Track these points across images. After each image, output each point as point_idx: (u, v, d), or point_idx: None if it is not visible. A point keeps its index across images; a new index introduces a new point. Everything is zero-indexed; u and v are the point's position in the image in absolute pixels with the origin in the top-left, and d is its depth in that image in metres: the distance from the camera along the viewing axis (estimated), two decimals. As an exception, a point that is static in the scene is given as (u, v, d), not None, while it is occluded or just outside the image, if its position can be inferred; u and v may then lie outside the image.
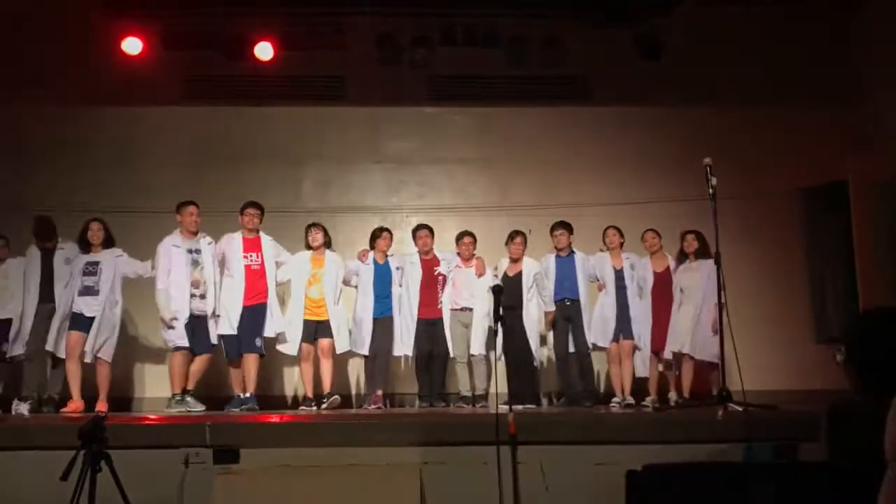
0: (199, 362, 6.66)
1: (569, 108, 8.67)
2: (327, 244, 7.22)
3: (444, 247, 7.55)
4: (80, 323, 6.61)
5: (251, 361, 6.78)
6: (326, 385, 7.02)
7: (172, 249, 6.71)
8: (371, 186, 8.70)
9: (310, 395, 6.97)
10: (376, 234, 7.40)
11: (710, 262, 6.55)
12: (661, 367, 7.21)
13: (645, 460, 2.71)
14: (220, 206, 7.50)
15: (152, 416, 4.93)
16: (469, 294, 7.30)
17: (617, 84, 8.60)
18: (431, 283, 7.36)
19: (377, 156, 8.77)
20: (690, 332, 6.86)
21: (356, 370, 7.98)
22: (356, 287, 7.35)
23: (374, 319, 7.21)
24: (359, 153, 8.72)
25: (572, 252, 7.38)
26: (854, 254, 7.75)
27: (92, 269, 6.72)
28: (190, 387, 6.61)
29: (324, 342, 7.03)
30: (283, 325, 6.97)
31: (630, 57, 8.52)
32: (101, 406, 6.41)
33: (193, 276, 6.67)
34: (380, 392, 7.11)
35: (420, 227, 7.52)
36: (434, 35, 8.53)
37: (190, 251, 6.74)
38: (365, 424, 4.60)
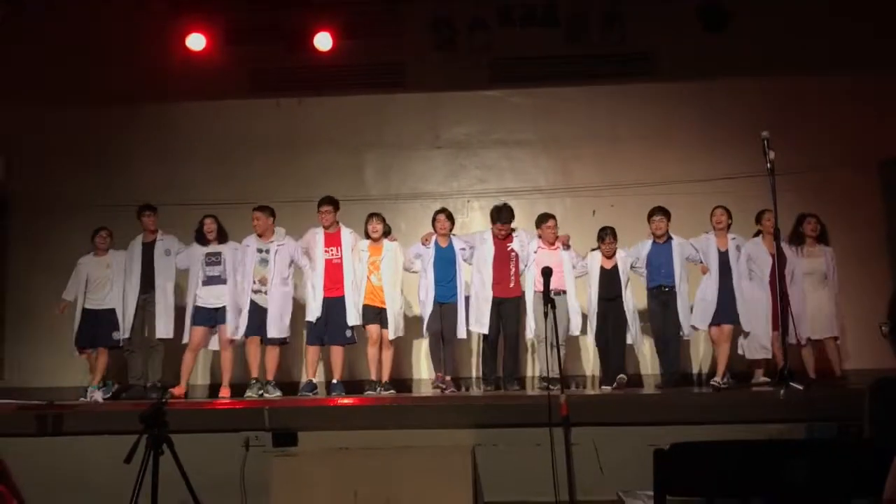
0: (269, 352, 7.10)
1: (630, 86, 8.49)
2: (386, 233, 7.31)
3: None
4: (204, 316, 7.12)
5: (336, 352, 7.07)
6: (384, 373, 7.11)
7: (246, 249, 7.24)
8: (431, 172, 8.73)
9: (374, 377, 7.06)
10: (434, 218, 7.43)
11: (830, 248, 7.11)
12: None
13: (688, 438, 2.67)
14: (287, 196, 7.77)
15: (212, 401, 5.09)
16: (557, 276, 6.95)
17: (680, 58, 8.38)
18: (504, 260, 7.28)
19: (437, 141, 8.79)
20: (833, 316, 6.94)
21: (422, 354, 8.02)
22: (416, 272, 7.36)
23: (440, 304, 7.20)
24: (419, 139, 8.76)
25: (670, 238, 7.26)
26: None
27: (216, 260, 7.24)
28: (256, 375, 7.00)
29: (383, 332, 7.15)
30: (358, 318, 7.12)
31: (694, 30, 8.29)
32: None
33: (261, 274, 7.11)
34: (448, 377, 7.09)
35: (502, 208, 7.33)
36: (491, 17, 8.49)
37: (259, 251, 7.20)
38: (418, 407, 4.65)
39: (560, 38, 8.52)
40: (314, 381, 7.07)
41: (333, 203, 7.25)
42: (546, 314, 4.07)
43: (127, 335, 7.23)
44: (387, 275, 7.16)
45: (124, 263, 7.41)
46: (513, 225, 7.37)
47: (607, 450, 3.99)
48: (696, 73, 8.30)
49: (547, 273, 4.29)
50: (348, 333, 7.05)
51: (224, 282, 7.15)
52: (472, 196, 8.51)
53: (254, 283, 7.13)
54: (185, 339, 7.14)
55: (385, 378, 7.08)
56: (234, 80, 8.58)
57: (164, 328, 7.22)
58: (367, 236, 7.26)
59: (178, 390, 6.91)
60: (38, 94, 8.36)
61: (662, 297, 7.13)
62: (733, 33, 8.24)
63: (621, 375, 6.92)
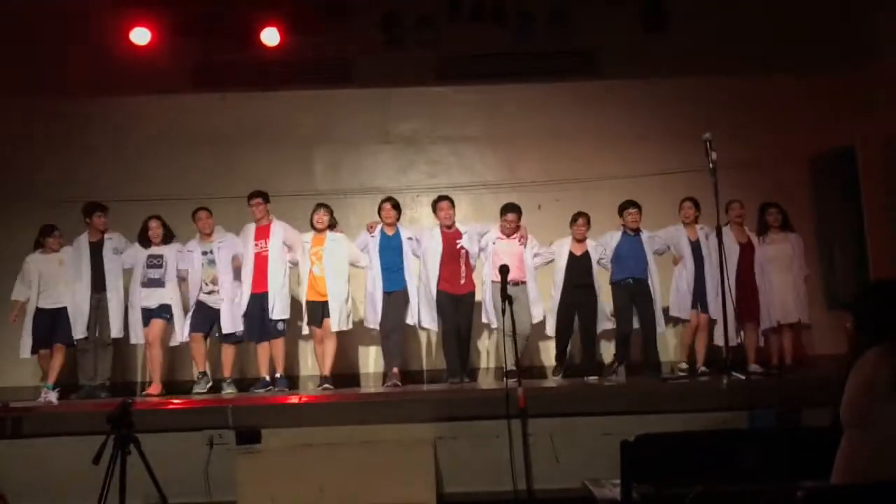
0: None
1: (575, 84, 8.70)
2: (332, 226, 7.28)
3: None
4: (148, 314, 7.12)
5: (275, 345, 7.06)
6: (324, 368, 7.06)
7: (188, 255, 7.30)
8: (381, 167, 8.80)
9: (326, 373, 7.01)
10: (380, 207, 7.40)
11: (795, 234, 7.36)
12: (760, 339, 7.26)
13: (649, 429, 2.85)
14: (232, 192, 7.69)
15: (177, 401, 5.11)
16: (517, 267, 7.10)
17: (623, 58, 8.60)
18: (453, 257, 7.24)
19: (386, 136, 8.86)
20: (799, 301, 7.16)
21: (371, 348, 8.11)
22: (364, 267, 7.32)
23: (387, 293, 7.15)
24: (368, 134, 8.82)
25: (639, 231, 7.33)
26: (863, 219, 7.80)
27: (157, 263, 7.23)
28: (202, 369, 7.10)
29: (325, 322, 7.09)
30: (283, 311, 7.11)
31: (636, 30, 8.55)
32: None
33: (211, 275, 7.16)
34: (396, 370, 7.03)
35: (441, 198, 7.43)
36: (439, 13, 8.58)
37: (204, 252, 7.23)
38: (380, 402, 4.76)
39: (506, 36, 8.66)
40: (267, 377, 7.00)
41: (263, 196, 7.26)
42: (504, 311, 4.20)
43: (83, 335, 7.14)
44: (329, 265, 7.10)
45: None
46: (457, 221, 7.41)
47: (564, 440, 4.17)
48: (637, 71, 8.55)
49: (504, 270, 4.42)
50: (280, 326, 7.06)
51: (163, 285, 7.16)
52: (422, 191, 8.60)
53: (205, 284, 7.15)
54: (133, 340, 7.18)
55: (325, 372, 7.01)
56: (179, 74, 8.47)
57: (117, 327, 7.20)
58: (312, 227, 7.23)
59: (153, 389, 6.90)
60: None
61: (630, 289, 7.13)
62: (672, 34, 8.53)
63: (615, 364, 6.98)
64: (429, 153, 8.87)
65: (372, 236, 7.26)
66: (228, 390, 6.83)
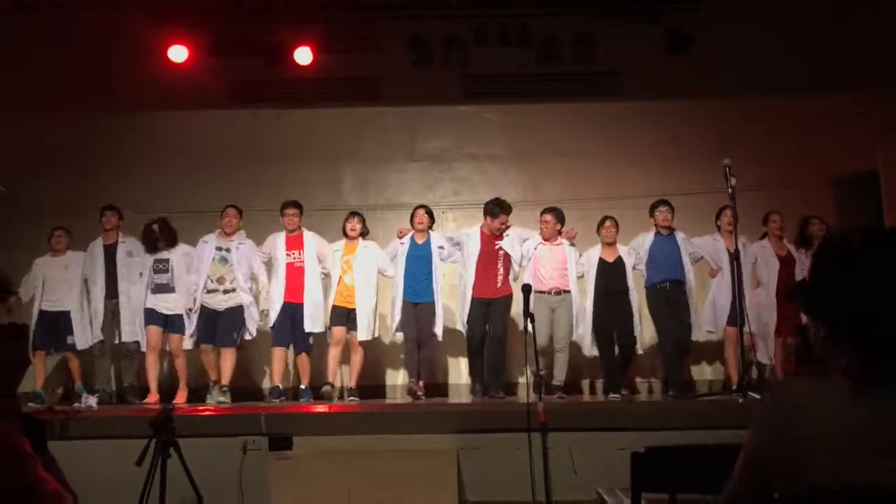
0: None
1: (599, 104, 8.88)
2: (363, 234, 7.26)
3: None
4: (156, 318, 7.05)
5: (301, 358, 7.11)
6: (352, 378, 7.05)
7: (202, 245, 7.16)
8: (408, 184, 9.01)
9: (331, 380, 7.03)
10: (412, 214, 7.32)
11: None
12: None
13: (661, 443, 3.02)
14: (264, 205, 7.92)
15: (213, 407, 5.33)
16: (559, 274, 6.87)
17: (646, 78, 8.77)
18: (491, 259, 6.95)
19: (413, 154, 9.09)
20: None
21: (393, 357, 8.25)
22: (390, 276, 7.21)
23: (415, 305, 6.97)
24: (395, 152, 9.05)
25: (673, 231, 6.99)
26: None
27: (163, 267, 7.12)
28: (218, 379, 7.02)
29: (351, 335, 7.04)
30: (318, 324, 7.07)
31: (659, 51, 8.71)
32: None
33: (220, 273, 7.02)
34: (421, 382, 6.93)
35: (497, 203, 7.03)
36: (466, 35, 8.82)
37: (219, 248, 7.12)
38: (406, 413, 4.95)
39: (532, 57, 8.88)
40: (280, 386, 7.01)
41: (298, 207, 7.27)
42: (525, 329, 4.35)
43: (97, 339, 7.10)
44: (360, 274, 7.03)
45: (83, 265, 7.25)
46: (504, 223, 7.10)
47: (582, 453, 4.32)
48: (660, 93, 8.71)
49: (526, 290, 4.58)
50: (310, 340, 7.06)
51: (172, 290, 7.06)
52: (447, 207, 8.80)
53: (210, 281, 6.97)
54: (144, 346, 7.10)
55: (352, 383, 6.98)
56: (214, 91, 8.76)
57: (129, 332, 7.12)
58: (345, 235, 7.21)
59: (151, 398, 6.85)
60: (14, 98, 8.42)
61: (668, 294, 6.70)
62: (695, 56, 8.68)
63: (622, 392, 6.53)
64: (455, 171, 9.07)
65: (401, 243, 7.14)
66: (220, 398, 6.72)
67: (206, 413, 4.88)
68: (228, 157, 8.82)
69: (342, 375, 7.51)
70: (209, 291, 7.00)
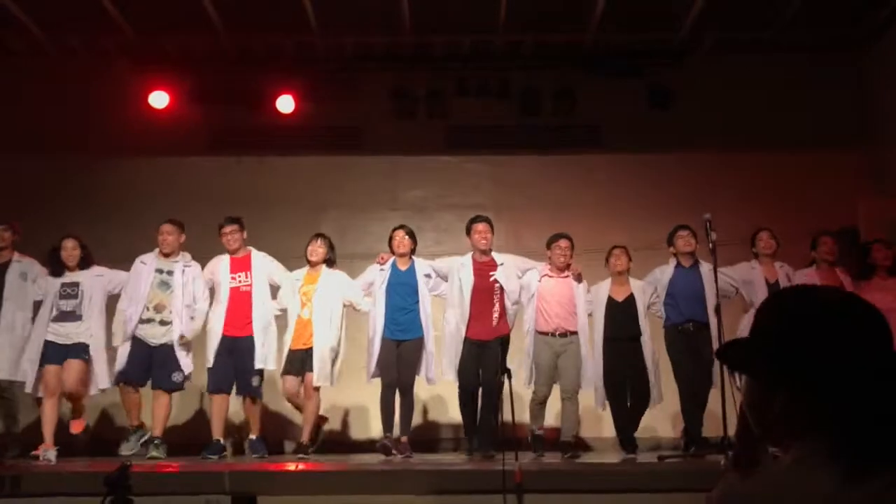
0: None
1: (581, 156, 8.90)
2: (329, 261, 6.33)
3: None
4: (56, 353, 6.00)
5: (249, 403, 6.14)
6: (304, 430, 6.07)
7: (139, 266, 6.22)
8: (388, 232, 8.90)
9: (305, 439, 6.14)
10: (391, 237, 6.38)
11: None
12: None
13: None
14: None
15: (174, 464, 5.12)
16: (567, 312, 5.98)
17: (628, 132, 8.82)
18: (484, 294, 6.02)
19: (394, 203, 9.01)
20: None
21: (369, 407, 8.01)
22: (364, 311, 6.24)
23: (397, 342, 6.01)
24: (376, 201, 8.98)
25: (697, 262, 6.09)
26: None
27: (72, 292, 6.11)
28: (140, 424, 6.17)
29: (307, 377, 5.99)
30: (270, 359, 6.11)
31: (641, 106, 8.77)
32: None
33: (159, 299, 6.10)
34: (405, 438, 5.93)
35: (478, 218, 6.29)
36: (448, 88, 8.84)
37: (159, 271, 6.18)
38: (376, 473, 4.77)
39: (513, 110, 8.91)
40: (221, 440, 6.02)
41: (237, 222, 6.34)
42: (501, 385, 4.21)
43: None
44: (320, 307, 6.02)
45: None
46: (494, 253, 6.31)
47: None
48: (642, 146, 8.74)
49: (503, 343, 4.45)
50: (255, 382, 6.03)
51: (80, 318, 5.99)
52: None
53: (146, 309, 5.99)
54: (28, 388, 5.97)
55: (304, 438, 6.00)
56: (195, 137, 8.74)
57: (7, 368, 5.99)
58: (307, 262, 6.28)
59: (45, 447, 5.77)
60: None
61: (691, 337, 5.75)
62: (676, 110, 8.73)
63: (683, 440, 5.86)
64: (436, 220, 9.00)
65: (381, 269, 6.24)
66: (154, 453, 5.77)
67: (167, 470, 4.68)
68: (207, 204, 8.65)
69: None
70: (143, 321, 5.97)
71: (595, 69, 8.58)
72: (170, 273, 6.17)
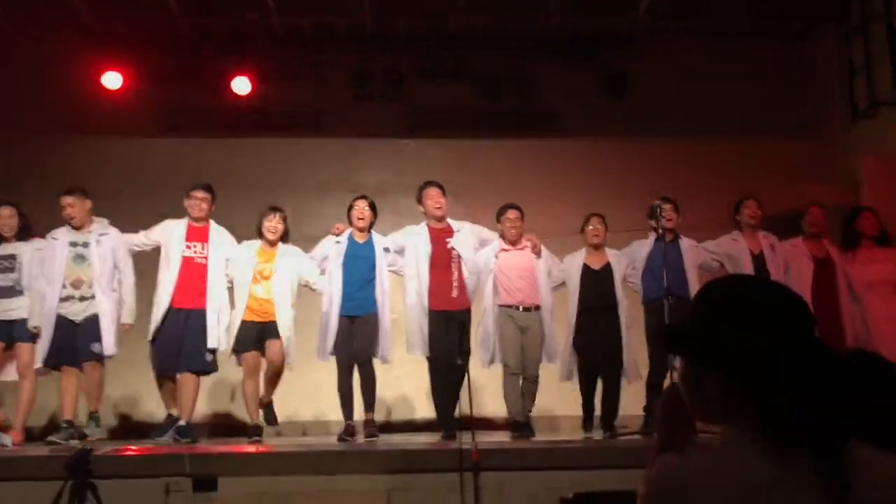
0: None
1: (538, 141, 9.01)
2: (284, 237, 6.04)
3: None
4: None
5: (189, 382, 5.64)
6: (267, 392, 5.77)
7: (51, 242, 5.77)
8: (345, 215, 8.92)
9: (257, 421, 5.85)
10: (350, 206, 6.11)
11: None
12: None
13: (594, 484, 3.00)
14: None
15: (135, 447, 5.12)
16: (529, 285, 5.76)
17: (583, 117, 8.95)
18: (442, 262, 5.81)
19: (352, 186, 8.99)
20: None
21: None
22: (318, 290, 5.95)
23: (353, 318, 5.70)
24: (334, 183, 8.96)
25: (677, 237, 5.92)
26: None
27: (8, 265, 5.78)
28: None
29: (271, 344, 5.68)
30: (224, 339, 5.72)
31: (596, 91, 8.91)
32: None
33: (76, 275, 5.68)
34: (369, 415, 5.63)
35: (429, 183, 6.10)
36: (407, 70, 8.86)
37: (73, 244, 5.76)
38: (336, 453, 4.84)
39: (472, 93, 8.97)
40: (173, 413, 5.66)
41: (210, 192, 5.98)
42: (464, 367, 4.29)
43: None
44: (280, 287, 5.75)
45: None
46: (450, 220, 6.08)
47: (515, 494, 4.28)
48: (597, 132, 8.88)
49: (461, 329, 4.52)
50: (208, 357, 5.65)
51: (20, 293, 5.67)
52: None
53: (65, 287, 5.61)
54: None
55: (265, 396, 5.73)
56: (149, 119, 8.63)
57: None
58: (260, 236, 5.96)
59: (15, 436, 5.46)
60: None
61: (669, 312, 5.43)
62: (631, 98, 8.88)
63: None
64: (395, 203, 9.02)
65: (337, 241, 5.98)
66: (93, 430, 5.51)
67: (127, 453, 4.68)
68: (162, 187, 8.61)
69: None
70: (63, 299, 5.58)
71: (550, 54, 8.66)
72: (85, 245, 5.75)
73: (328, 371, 6.01)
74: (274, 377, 5.82)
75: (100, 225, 5.89)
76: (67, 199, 5.82)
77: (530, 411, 5.87)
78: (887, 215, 6.27)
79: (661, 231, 5.47)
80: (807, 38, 9.18)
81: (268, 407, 5.89)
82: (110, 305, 5.71)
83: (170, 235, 5.88)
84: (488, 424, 7.14)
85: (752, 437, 1.27)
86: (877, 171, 7.27)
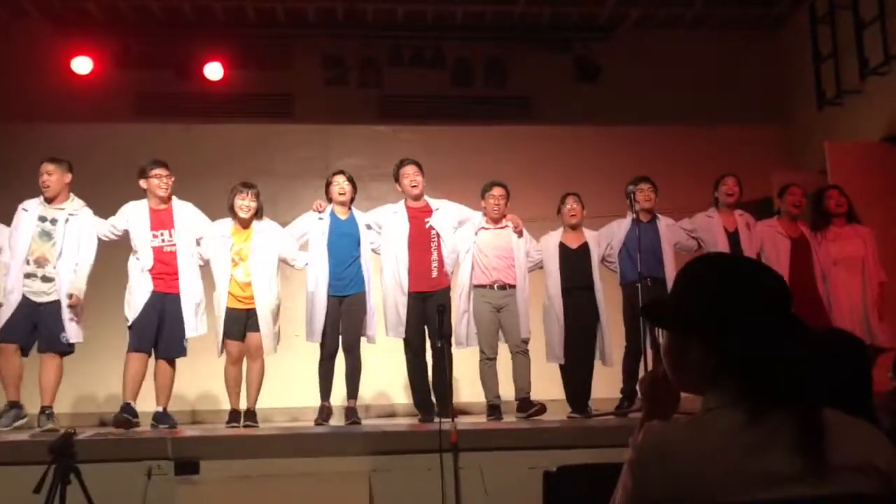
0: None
1: (512, 127, 9.07)
2: (258, 215, 5.73)
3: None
4: None
5: (165, 369, 5.44)
6: (250, 397, 5.51)
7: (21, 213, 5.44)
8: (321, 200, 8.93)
9: (237, 407, 5.65)
10: (328, 182, 5.84)
11: (866, 228, 5.71)
12: None
13: (571, 462, 3.10)
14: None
15: (117, 431, 5.12)
16: (506, 265, 5.67)
17: (557, 105, 9.05)
18: (422, 242, 5.64)
19: (326, 172, 8.95)
20: (863, 313, 5.54)
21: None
22: (300, 267, 5.78)
23: (339, 298, 5.54)
24: (308, 169, 8.95)
25: (655, 217, 5.83)
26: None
27: None
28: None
29: (251, 337, 5.47)
30: (201, 325, 5.53)
31: (569, 79, 8.99)
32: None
33: (41, 251, 5.38)
34: (353, 402, 5.54)
35: (405, 161, 5.89)
36: (381, 56, 8.87)
37: (42, 219, 5.43)
38: (317, 436, 4.89)
39: (446, 80, 9.00)
40: (132, 404, 5.30)
41: (168, 167, 5.62)
42: (441, 347, 4.34)
43: None
44: (258, 268, 5.47)
45: None
46: (428, 198, 5.93)
47: (494, 473, 4.36)
48: (570, 118, 8.97)
49: (441, 311, 4.57)
50: (185, 343, 5.45)
51: None
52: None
53: (27, 263, 5.30)
54: None
55: (250, 404, 5.47)
56: (120, 104, 8.55)
57: None
58: (233, 214, 5.66)
59: None
60: None
61: (646, 293, 5.31)
62: (604, 84, 8.98)
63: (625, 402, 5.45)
64: (369, 189, 9.02)
65: (319, 218, 5.74)
66: (49, 425, 5.14)
67: (110, 437, 4.69)
68: (132, 172, 8.52)
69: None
70: (27, 276, 5.28)
71: (524, 41, 8.73)
72: (53, 222, 5.41)
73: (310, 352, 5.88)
74: (256, 378, 5.57)
75: (74, 204, 5.60)
76: (48, 167, 5.52)
77: (529, 385, 5.73)
78: (852, 201, 6.45)
79: (636, 214, 5.43)
80: (778, 27, 9.34)
81: (249, 413, 5.60)
82: (70, 290, 5.41)
83: (135, 221, 5.60)
84: (465, 408, 7.31)
85: (733, 404, 1.36)
86: (842, 157, 7.48)
